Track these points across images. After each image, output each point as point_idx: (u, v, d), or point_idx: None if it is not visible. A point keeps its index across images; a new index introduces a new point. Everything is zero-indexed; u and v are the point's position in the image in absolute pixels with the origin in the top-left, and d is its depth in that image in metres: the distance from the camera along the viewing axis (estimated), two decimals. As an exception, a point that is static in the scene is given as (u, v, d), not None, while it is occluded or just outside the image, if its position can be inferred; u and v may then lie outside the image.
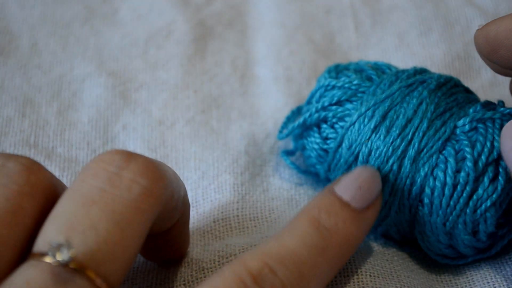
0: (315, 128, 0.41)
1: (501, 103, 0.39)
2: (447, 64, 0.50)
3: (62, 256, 0.27)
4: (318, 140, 0.41)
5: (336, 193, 0.34)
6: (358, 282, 0.36)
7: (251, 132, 0.47)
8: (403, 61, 0.51)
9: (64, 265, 0.27)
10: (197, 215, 0.43)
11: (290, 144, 0.46)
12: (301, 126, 0.42)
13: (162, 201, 0.31)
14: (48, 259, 0.28)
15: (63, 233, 0.28)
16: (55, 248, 0.27)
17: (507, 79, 0.48)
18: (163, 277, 0.38)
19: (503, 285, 0.38)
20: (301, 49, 0.52)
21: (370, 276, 0.36)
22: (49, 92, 0.49)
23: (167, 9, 0.54)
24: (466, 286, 0.38)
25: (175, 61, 0.51)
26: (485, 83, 0.50)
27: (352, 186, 0.35)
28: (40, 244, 0.28)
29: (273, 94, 0.49)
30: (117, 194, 0.30)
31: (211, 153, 0.46)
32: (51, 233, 0.29)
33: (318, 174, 0.43)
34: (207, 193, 0.44)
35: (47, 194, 0.31)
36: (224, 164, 0.45)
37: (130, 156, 0.31)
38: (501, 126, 0.37)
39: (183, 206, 0.35)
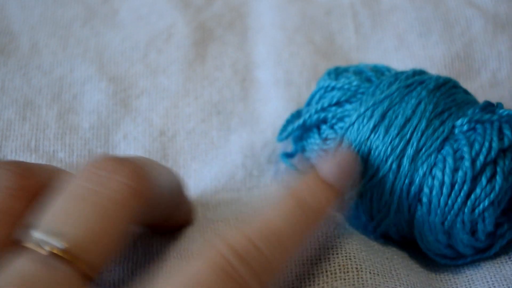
0: (314, 129, 0.41)
1: (500, 105, 0.39)
2: (446, 65, 0.50)
3: (53, 245, 0.29)
4: (318, 141, 0.41)
5: (320, 175, 0.36)
6: (358, 279, 0.36)
7: (250, 142, 0.47)
8: (403, 62, 0.51)
9: (54, 254, 0.29)
10: (195, 220, 0.43)
11: (289, 148, 0.46)
12: (300, 127, 0.42)
13: (145, 199, 0.33)
14: (38, 249, 0.30)
15: (52, 224, 0.30)
16: (46, 238, 0.29)
17: (507, 79, 0.48)
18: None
19: (503, 285, 0.37)
20: (301, 50, 0.52)
21: (370, 273, 0.36)
22: (49, 94, 0.49)
23: (167, 10, 0.54)
24: (465, 285, 0.38)
25: (176, 66, 0.51)
26: (484, 84, 0.50)
27: (335, 168, 0.36)
28: (30, 235, 0.30)
29: (273, 100, 0.49)
30: (104, 193, 0.32)
31: (209, 170, 0.46)
32: (40, 225, 0.30)
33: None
34: (204, 211, 0.44)
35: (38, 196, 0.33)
36: (221, 182, 0.45)
37: (121, 162, 0.33)
38: (499, 128, 0.38)
39: (178, 201, 0.39)
